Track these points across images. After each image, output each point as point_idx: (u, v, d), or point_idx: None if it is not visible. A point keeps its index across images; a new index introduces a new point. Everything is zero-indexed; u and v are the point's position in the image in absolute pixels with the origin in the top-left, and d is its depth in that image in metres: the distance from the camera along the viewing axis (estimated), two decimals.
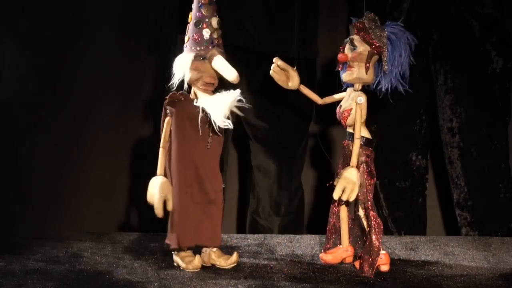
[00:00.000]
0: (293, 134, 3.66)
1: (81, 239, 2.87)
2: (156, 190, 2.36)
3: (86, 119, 3.77)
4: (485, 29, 3.54)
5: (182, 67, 2.42)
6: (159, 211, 2.36)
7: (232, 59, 2.44)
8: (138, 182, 3.82)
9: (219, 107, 2.33)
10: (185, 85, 2.44)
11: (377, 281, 2.32)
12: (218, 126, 2.35)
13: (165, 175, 2.43)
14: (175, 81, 2.45)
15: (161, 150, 2.42)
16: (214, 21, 2.44)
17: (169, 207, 2.39)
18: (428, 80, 3.62)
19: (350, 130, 2.52)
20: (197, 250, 2.47)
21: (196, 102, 2.40)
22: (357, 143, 2.46)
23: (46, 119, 3.74)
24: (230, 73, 2.35)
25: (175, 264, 2.45)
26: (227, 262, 2.46)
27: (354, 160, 2.45)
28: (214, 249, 2.48)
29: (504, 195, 3.53)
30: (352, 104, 2.48)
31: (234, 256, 2.47)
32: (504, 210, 3.54)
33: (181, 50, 3.43)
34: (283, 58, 2.55)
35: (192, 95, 2.46)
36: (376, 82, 2.51)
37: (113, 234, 2.98)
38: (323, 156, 3.73)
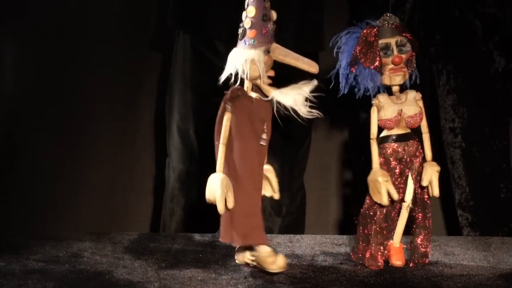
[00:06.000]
0: (296, 134, 3.64)
1: (81, 239, 2.86)
2: (218, 186, 2.26)
3: (86, 119, 3.78)
4: (488, 29, 3.52)
5: (252, 62, 2.33)
6: (221, 208, 2.26)
7: None
8: (138, 182, 3.83)
9: (300, 98, 2.34)
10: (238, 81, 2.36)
11: (377, 281, 2.32)
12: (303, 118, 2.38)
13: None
14: (234, 77, 2.35)
15: (221, 146, 2.33)
16: (274, 14, 2.38)
17: (230, 204, 2.29)
18: (430, 80, 3.61)
19: (407, 131, 2.49)
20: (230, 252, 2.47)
21: (262, 97, 2.37)
22: (428, 136, 2.50)
23: (46, 119, 3.75)
24: (310, 65, 2.37)
25: (252, 264, 2.40)
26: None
27: (430, 153, 2.49)
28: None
29: (505, 195, 3.52)
30: (418, 104, 2.51)
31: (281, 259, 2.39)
32: (505, 210, 3.53)
33: (183, 48, 3.42)
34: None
35: (248, 91, 2.38)
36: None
37: (113, 234, 2.97)
38: (325, 156, 3.73)
